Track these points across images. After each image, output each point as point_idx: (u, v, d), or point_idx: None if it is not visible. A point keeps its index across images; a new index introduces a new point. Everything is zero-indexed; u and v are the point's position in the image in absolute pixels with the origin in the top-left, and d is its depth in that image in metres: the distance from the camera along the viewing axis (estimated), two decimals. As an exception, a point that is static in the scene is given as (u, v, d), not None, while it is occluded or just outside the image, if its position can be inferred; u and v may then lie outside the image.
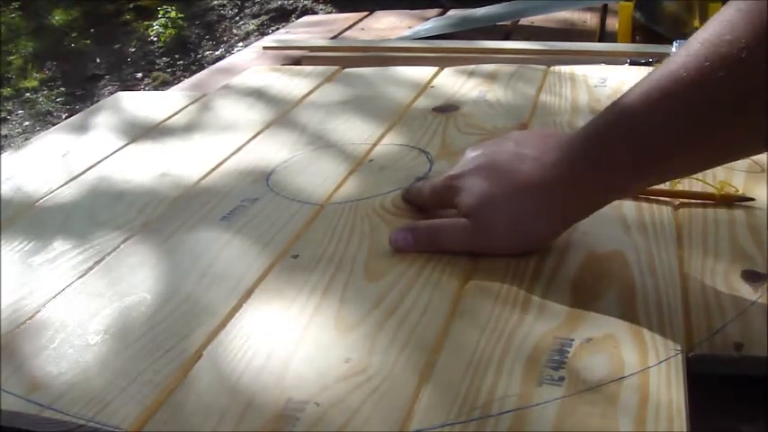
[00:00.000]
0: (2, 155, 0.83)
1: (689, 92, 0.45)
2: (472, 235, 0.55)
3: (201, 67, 3.03)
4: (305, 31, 1.42)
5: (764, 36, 0.41)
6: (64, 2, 3.94)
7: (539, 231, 0.54)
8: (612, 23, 1.36)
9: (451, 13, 1.44)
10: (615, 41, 1.27)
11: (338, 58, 1.16)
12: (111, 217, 0.66)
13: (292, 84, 1.01)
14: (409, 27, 1.35)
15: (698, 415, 0.41)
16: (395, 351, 0.46)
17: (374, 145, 0.78)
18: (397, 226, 0.60)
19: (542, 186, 0.52)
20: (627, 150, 0.49)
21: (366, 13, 1.52)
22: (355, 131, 0.82)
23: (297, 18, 3.06)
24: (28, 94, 3.27)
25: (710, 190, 0.63)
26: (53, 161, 0.81)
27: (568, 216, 0.54)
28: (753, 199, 0.61)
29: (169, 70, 3.41)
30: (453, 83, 0.96)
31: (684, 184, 0.65)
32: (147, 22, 3.74)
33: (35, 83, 3.35)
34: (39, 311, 0.53)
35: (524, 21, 1.34)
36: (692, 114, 0.45)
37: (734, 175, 0.66)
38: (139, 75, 3.40)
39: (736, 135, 0.46)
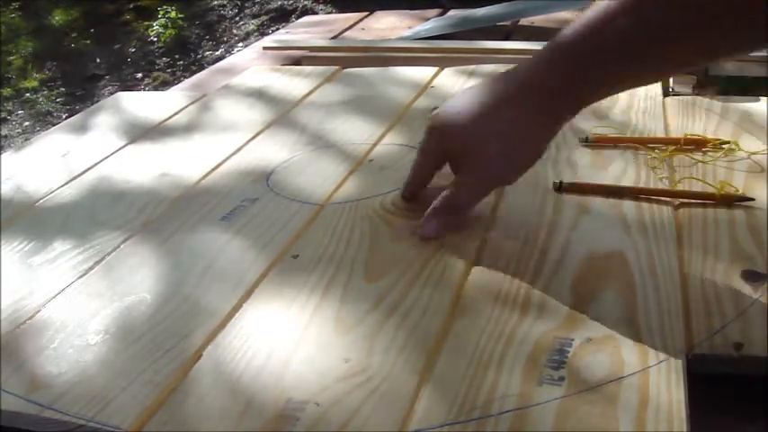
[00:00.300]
0: (2, 155, 0.84)
1: None
2: (475, 179, 0.57)
3: (201, 67, 3.03)
4: (305, 31, 1.42)
5: None
6: (64, 2, 3.94)
7: (523, 148, 0.56)
8: (612, 23, 1.36)
9: (451, 13, 1.44)
10: (615, 41, 1.26)
11: (338, 59, 1.16)
12: (112, 217, 0.66)
13: (292, 84, 1.01)
14: (409, 27, 1.35)
15: (698, 415, 0.41)
16: (395, 351, 0.46)
17: (374, 145, 0.78)
18: (396, 226, 0.60)
19: (511, 99, 0.55)
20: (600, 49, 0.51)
21: (366, 13, 1.52)
22: (355, 131, 0.82)
23: (297, 18, 3.06)
24: (28, 94, 3.27)
25: (710, 190, 0.63)
26: (53, 161, 0.81)
27: (541, 125, 0.56)
28: (753, 199, 0.61)
29: (169, 70, 3.41)
30: (453, 83, 0.96)
31: (685, 185, 0.65)
32: (147, 22, 3.74)
33: (35, 83, 3.35)
34: (39, 311, 0.53)
35: (524, 21, 1.34)
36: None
37: (734, 175, 0.66)
38: (139, 75, 3.40)
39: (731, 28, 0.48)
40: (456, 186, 0.58)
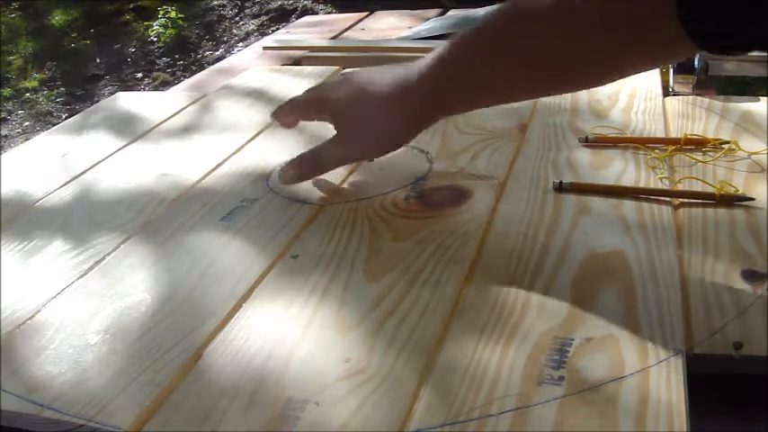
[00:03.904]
0: (2, 155, 0.83)
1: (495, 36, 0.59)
2: (344, 149, 0.66)
3: (201, 67, 3.03)
4: (305, 32, 1.42)
5: None
6: (64, 2, 3.94)
7: (387, 140, 0.65)
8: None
9: (451, 13, 1.44)
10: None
11: (338, 59, 1.16)
12: (111, 217, 0.66)
13: (292, 84, 1.01)
14: (409, 27, 1.35)
15: (698, 415, 0.41)
16: (394, 351, 0.46)
17: (374, 145, 0.77)
18: (396, 226, 0.60)
19: (389, 99, 0.63)
20: (455, 80, 0.61)
21: (366, 13, 1.52)
22: (355, 131, 0.81)
23: (297, 18, 3.06)
24: (28, 94, 3.27)
25: (710, 190, 0.63)
26: (53, 161, 0.81)
27: (405, 128, 0.65)
28: (753, 199, 0.61)
29: (169, 70, 3.41)
30: (453, 83, 0.95)
31: (685, 185, 0.65)
32: (147, 22, 3.74)
33: (35, 83, 3.35)
34: (39, 311, 0.53)
35: (524, 21, 1.34)
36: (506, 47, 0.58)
37: (734, 175, 0.66)
38: (139, 75, 3.40)
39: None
40: (327, 149, 0.66)
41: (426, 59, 0.63)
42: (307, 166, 0.65)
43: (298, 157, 0.67)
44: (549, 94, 0.71)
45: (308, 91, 0.71)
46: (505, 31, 0.58)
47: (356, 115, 0.65)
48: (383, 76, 0.65)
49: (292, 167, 0.66)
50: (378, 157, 0.66)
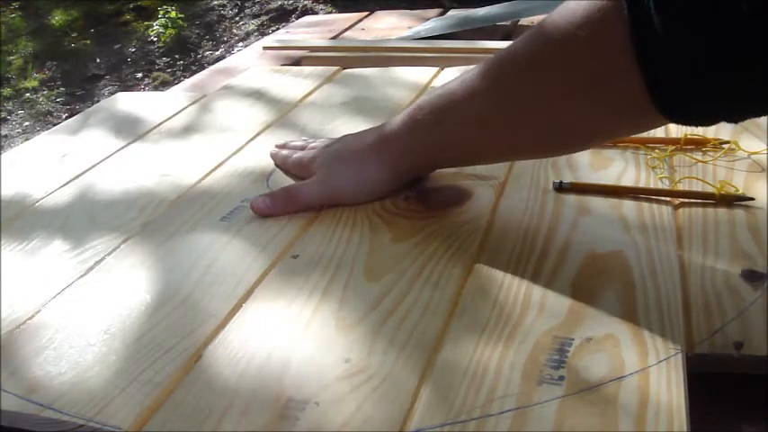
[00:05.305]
0: (2, 155, 0.84)
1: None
2: (321, 190, 0.65)
3: (201, 68, 3.03)
4: (305, 32, 1.42)
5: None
6: (64, 2, 3.94)
7: (374, 184, 0.65)
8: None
9: (451, 13, 1.44)
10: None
11: (338, 59, 1.16)
12: (111, 217, 0.66)
13: (292, 84, 1.01)
14: (409, 27, 1.35)
15: (698, 415, 0.41)
16: (395, 351, 0.46)
17: (374, 145, 0.77)
18: (396, 226, 0.60)
19: (369, 149, 0.64)
20: (433, 135, 0.61)
21: (366, 13, 1.52)
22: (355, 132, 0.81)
23: (297, 18, 3.06)
24: (28, 94, 3.28)
25: (710, 190, 0.63)
26: (53, 162, 0.81)
27: (384, 178, 0.65)
28: (753, 198, 0.61)
29: (169, 70, 3.41)
30: (453, 83, 0.95)
31: (685, 184, 0.65)
32: (147, 22, 3.74)
33: (35, 83, 3.35)
34: (39, 312, 0.53)
35: (524, 21, 1.34)
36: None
37: (734, 175, 0.66)
38: (139, 75, 3.40)
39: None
40: (304, 187, 0.66)
41: (406, 111, 0.63)
42: (279, 200, 0.64)
43: (273, 191, 0.66)
44: (518, 158, 0.69)
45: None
46: (471, 87, 0.59)
47: (337, 164, 0.66)
48: (364, 133, 0.67)
49: (264, 196, 0.65)
50: (355, 203, 0.64)
